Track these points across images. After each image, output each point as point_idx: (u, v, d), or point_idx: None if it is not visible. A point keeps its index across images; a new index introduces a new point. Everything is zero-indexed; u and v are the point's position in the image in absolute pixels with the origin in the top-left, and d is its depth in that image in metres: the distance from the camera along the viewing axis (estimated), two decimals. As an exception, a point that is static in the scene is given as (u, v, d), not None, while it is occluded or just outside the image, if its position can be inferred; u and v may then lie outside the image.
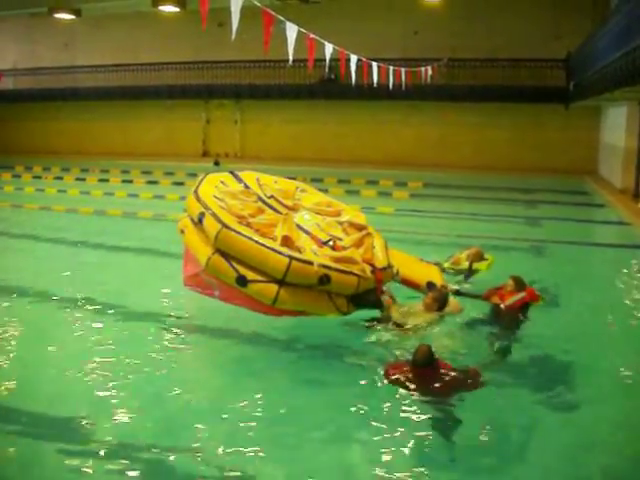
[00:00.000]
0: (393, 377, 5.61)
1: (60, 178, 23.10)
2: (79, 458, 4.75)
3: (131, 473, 4.57)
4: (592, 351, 6.83)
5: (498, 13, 25.83)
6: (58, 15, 28.03)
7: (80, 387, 5.91)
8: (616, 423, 5.41)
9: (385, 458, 4.74)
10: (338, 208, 7.85)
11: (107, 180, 22.51)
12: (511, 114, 26.46)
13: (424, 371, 5.45)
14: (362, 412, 5.36)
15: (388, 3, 27.28)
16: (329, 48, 10.27)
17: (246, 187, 7.54)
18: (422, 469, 4.64)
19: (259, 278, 6.26)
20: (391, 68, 15.46)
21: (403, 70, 16.55)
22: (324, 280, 6.21)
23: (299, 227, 7.03)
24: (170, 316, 7.86)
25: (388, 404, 5.42)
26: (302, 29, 8.94)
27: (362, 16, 27.45)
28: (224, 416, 5.36)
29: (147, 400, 5.69)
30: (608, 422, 5.40)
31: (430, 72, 20.25)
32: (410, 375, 5.52)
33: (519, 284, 7.21)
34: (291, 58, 8.50)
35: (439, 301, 6.74)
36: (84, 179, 22.79)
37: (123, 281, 9.66)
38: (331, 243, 6.93)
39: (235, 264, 6.32)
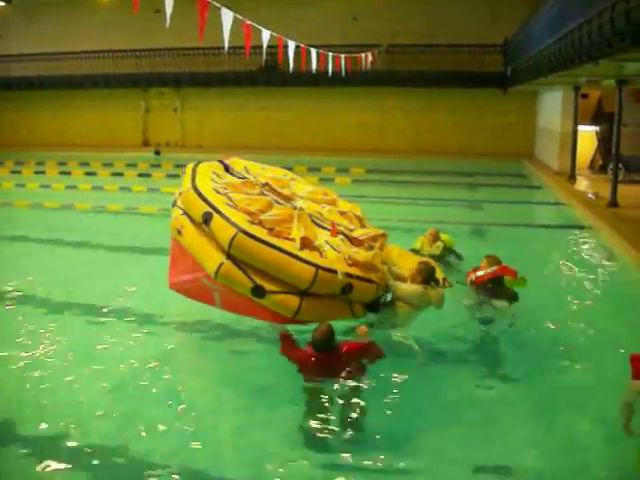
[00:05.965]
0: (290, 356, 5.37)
1: (-6, 171, 22.39)
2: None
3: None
4: (535, 325, 7.14)
5: (436, -1, 26.13)
6: (-14, 2, 27.14)
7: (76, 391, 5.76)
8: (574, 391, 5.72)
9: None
10: (333, 197, 7.48)
11: (43, 172, 21.88)
12: (451, 99, 26.83)
13: (324, 355, 5.23)
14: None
15: (327, -11, 27.28)
16: (266, 35, 10.16)
17: (241, 178, 6.88)
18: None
19: (278, 289, 5.61)
20: (330, 54, 15.43)
21: (342, 56, 16.53)
22: (347, 289, 5.77)
23: (313, 221, 6.44)
24: (112, 308, 7.76)
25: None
26: (238, 15, 8.83)
27: (301, 2, 27.37)
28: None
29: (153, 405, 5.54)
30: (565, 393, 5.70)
31: (370, 58, 20.31)
32: (310, 358, 5.27)
33: (492, 261, 7.22)
34: (227, 45, 8.40)
35: (422, 274, 6.47)
36: (19, 172, 22.09)
37: (66, 275, 9.44)
38: (345, 232, 6.51)
39: (251, 273, 5.62)
